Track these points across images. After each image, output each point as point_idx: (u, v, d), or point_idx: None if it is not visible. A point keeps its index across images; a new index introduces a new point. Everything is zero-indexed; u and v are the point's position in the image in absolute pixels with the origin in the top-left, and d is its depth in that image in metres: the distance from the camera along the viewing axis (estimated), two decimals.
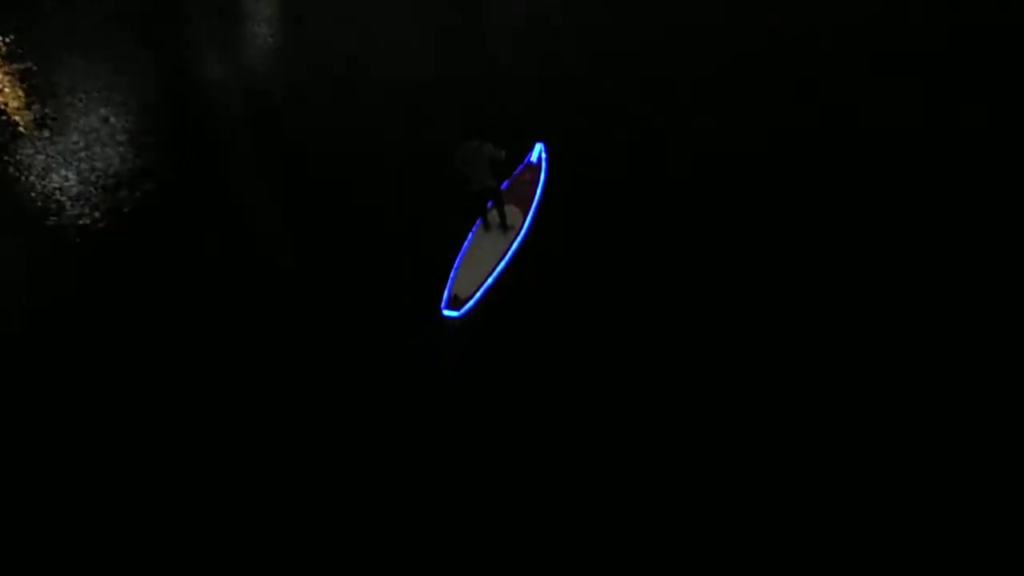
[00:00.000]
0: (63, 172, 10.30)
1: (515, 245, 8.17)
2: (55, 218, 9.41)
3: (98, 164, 10.41)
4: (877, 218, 8.16)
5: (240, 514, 6.01)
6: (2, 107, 11.86)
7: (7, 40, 14.30)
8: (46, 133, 11.20)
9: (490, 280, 7.86)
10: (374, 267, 8.39)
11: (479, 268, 7.93)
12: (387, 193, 9.47)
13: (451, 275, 7.89)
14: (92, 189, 9.92)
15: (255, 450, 6.52)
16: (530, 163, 8.99)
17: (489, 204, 8.19)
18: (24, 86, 12.52)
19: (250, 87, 12.25)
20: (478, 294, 7.76)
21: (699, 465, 6.03)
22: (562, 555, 5.51)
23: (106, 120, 11.36)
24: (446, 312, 7.64)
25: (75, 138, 11.04)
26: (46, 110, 11.78)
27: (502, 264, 7.99)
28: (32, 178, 10.23)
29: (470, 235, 8.26)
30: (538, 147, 9.04)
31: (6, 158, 10.70)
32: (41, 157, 10.65)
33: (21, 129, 11.30)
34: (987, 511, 5.50)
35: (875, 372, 6.61)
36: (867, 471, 5.85)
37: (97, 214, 9.46)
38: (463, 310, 7.64)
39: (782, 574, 5.24)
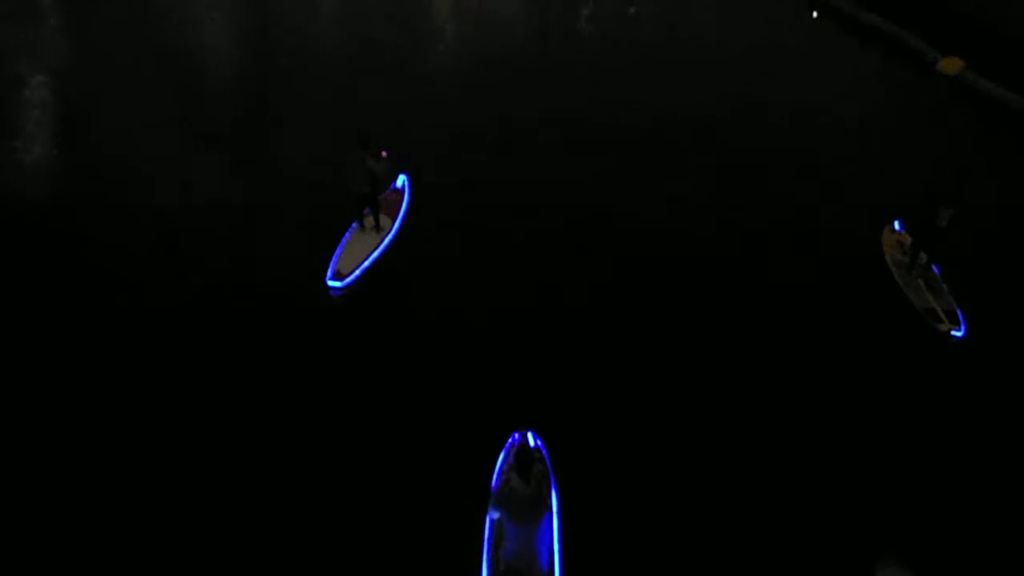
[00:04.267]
0: None
1: (386, 241, 10.88)
2: None
3: None
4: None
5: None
6: None
7: None
8: None
9: (367, 263, 10.42)
10: (276, 250, 10.94)
11: (358, 254, 10.47)
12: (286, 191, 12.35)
13: (334, 256, 10.37)
14: None
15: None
16: (396, 188, 11.95)
17: (367, 211, 10.90)
18: None
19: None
20: (356, 272, 10.27)
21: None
22: None
23: None
24: (330, 282, 10.07)
25: None
26: None
27: (376, 253, 10.61)
28: None
29: (348, 231, 10.84)
30: (402, 177, 12.05)
31: None
32: None
33: None
34: None
35: None
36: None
37: None
38: (344, 283, 10.11)
39: None
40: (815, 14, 22.46)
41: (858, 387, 8.94)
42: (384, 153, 10.60)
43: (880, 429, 8.41)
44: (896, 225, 11.49)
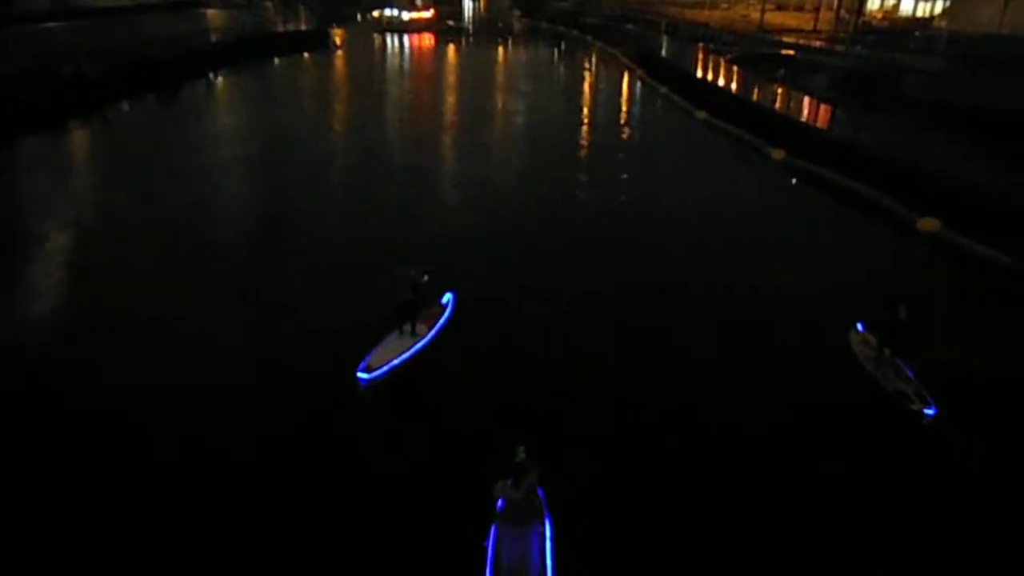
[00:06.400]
0: None
1: (419, 346, 12.82)
2: None
3: None
4: None
5: None
6: None
7: None
8: None
9: (396, 362, 12.32)
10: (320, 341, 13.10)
11: (390, 353, 12.41)
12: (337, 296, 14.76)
13: (369, 353, 12.26)
14: None
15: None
16: (440, 304, 14.03)
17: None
18: None
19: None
20: (385, 368, 12.16)
21: None
22: None
23: None
24: (359, 374, 11.92)
25: None
26: None
27: (407, 355, 12.53)
28: None
29: (387, 335, 12.79)
30: (448, 295, 14.27)
31: None
32: None
33: None
34: None
35: None
36: None
37: None
38: (372, 376, 11.97)
39: None
40: (794, 180, 26.01)
41: (843, 466, 10.45)
42: (426, 276, 12.88)
43: (866, 501, 9.82)
44: (859, 327, 13.50)
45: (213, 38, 56.05)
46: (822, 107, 35.08)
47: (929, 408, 11.25)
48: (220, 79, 46.37)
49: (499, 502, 8.45)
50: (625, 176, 25.73)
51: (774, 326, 14.58)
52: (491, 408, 11.57)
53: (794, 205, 23.86)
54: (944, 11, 63.67)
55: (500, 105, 40.29)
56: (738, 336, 14.16)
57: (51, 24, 54.36)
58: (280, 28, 71.06)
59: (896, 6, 75.63)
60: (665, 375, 12.67)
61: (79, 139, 30.18)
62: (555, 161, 27.69)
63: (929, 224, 20.20)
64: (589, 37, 78.98)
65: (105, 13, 65.24)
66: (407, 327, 12.90)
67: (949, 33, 49.50)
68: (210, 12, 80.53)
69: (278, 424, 11.07)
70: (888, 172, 23.35)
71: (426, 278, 12.88)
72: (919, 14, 69.22)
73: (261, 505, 9.44)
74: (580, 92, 46.49)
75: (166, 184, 23.13)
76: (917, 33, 55.04)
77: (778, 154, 28.31)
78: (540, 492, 8.67)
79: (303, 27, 74.50)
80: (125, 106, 36.05)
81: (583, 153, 29.70)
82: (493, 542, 8.20)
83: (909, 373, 12.00)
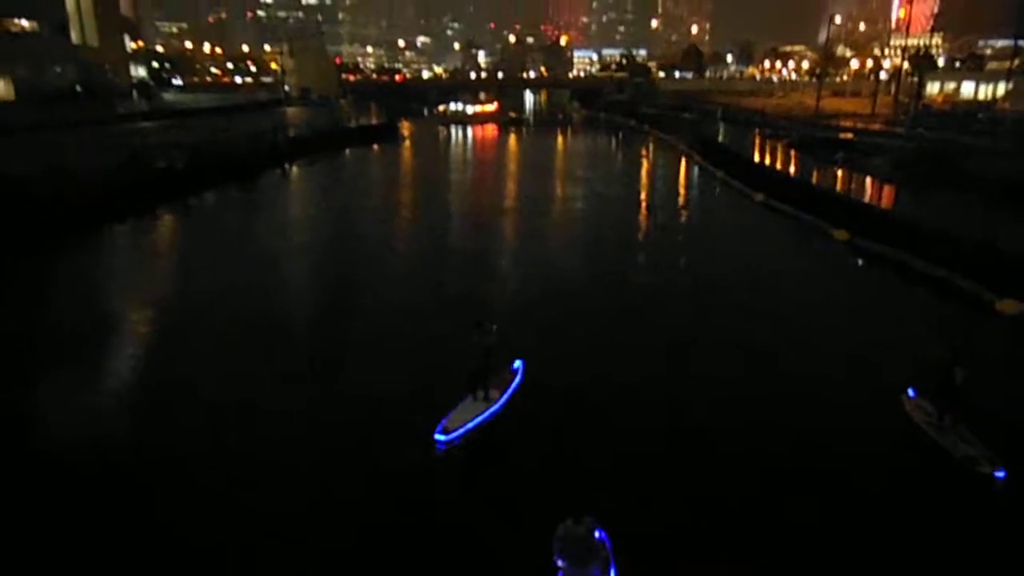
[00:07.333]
0: None
1: (492, 410, 13.54)
2: None
3: None
4: None
5: None
6: None
7: None
8: None
9: (471, 425, 13.01)
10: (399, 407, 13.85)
11: (465, 416, 13.13)
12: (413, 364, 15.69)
13: (446, 416, 13.01)
14: None
15: None
16: (512, 369, 14.81)
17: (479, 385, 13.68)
18: None
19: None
20: (461, 430, 12.86)
21: None
22: None
23: None
24: (437, 436, 12.65)
25: None
26: None
27: (481, 418, 13.23)
28: None
29: (461, 400, 13.56)
30: (518, 362, 15.04)
31: None
32: None
33: None
34: None
35: None
36: None
37: None
38: (448, 437, 12.68)
39: None
40: (860, 261, 26.06)
41: (920, 533, 10.50)
42: (495, 327, 13.84)
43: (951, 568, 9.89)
44: (910, 392, 13.59)
45: (292, 133, 60.10)
46: (885, 187, 35.30)
47: (999, 471, 11.26)
48: (295, 169, 49.64)
49: (559, 554, 8.52)
50: (684, 259, 26.22)
51: (847, 398, 14.77)
52: (558, 467, 12.13)
53: (863, 285, 23.84)
54: (1007, 93, 63.90)
55: (560, 191, 41.85)
56: (808, 409, 14.35)
57: (146, 124, 59.34)
58: (353, 123, 75.68)
59: (956, 89, 76.19)
60: (731, 450, 12.88)
61: (165, 224, 32.70)
62: (614, 244, 28.56)
63: (1010, 306, 19.30)
64: (646, 126, 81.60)
65: (195, 113, 71.07)
66: (480, 392, 13.64)
67: (1014, 113, 49.61)
68: (290, 110, 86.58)
69: (364, 483, 11.82)
70: (961, 251, 22.56)
71: (495, 328, 13.81)
72: (980, 96, 69.56)
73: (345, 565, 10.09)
74: (637, 178, 47.92)
75: (242, 266, 24.74)
76: (980, 115, 55.25)
77: (842, 235, 28.30)
78: (606, 538, 8.89)
79: (374, 121, 79.16)
80: (209, 194, 38.90)
81: (641, 236, 30.53)
82: None
83: (972, 437, 12.08)
